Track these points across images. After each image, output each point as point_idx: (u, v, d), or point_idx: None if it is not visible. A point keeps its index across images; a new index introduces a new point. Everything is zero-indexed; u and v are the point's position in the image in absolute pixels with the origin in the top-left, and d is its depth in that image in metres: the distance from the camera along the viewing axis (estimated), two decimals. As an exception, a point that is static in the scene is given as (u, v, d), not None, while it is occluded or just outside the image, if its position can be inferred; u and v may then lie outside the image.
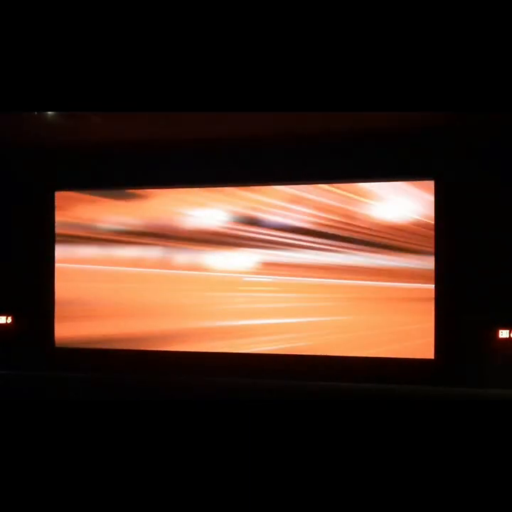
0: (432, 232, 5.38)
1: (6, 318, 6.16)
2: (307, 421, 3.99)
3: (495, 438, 3.66)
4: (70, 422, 3.97)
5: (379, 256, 5.50)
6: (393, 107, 3.63)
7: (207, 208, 5.88)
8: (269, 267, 5.74)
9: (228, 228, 5.84)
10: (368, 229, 5.53)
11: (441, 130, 5.21)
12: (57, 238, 6.20)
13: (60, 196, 6.20)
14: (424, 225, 5.40)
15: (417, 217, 5.43)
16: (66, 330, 6.15)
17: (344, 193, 5.58)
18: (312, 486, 3.22)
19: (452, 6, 2.91)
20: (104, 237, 6.12)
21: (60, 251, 6.20)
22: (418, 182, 5.45)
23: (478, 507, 3.11)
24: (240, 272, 5.79)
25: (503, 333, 5.21)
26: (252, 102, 3.53)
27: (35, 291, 6.17)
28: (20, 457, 3.50)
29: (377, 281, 5.50)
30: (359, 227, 5.56)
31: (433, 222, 5.37)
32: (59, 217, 6.20)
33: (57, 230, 6.20)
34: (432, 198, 5.38)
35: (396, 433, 3.80)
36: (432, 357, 5.34)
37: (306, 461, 3.46)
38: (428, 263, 5.39)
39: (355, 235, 5.55)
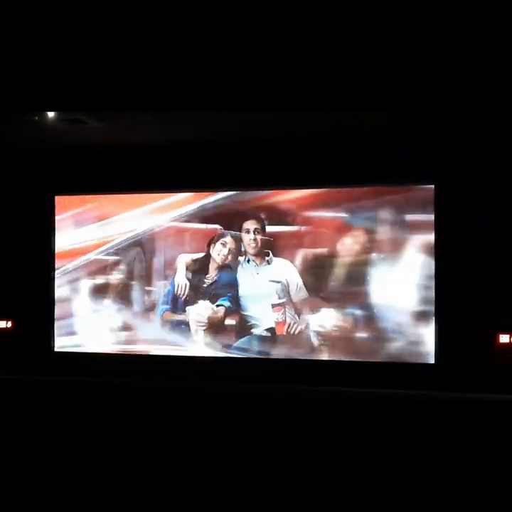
0: (432, 236, 5.38)
1: (6, 323, 6.16)
2: (307, 425, 3.98)
3: (496, 442, 3.65)
4: (69, 424, 3.96)
5: (379, 258, 5.49)
6: (393, 107, 3.64)
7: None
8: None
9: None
10: (369, 231, 5.52)
11: (441, 134, 5.23)
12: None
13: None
14: (424, 229, 5.40)
15: (417, 222, 5.43)
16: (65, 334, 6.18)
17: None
18: (312, 489, 3.21)
19: (451, 7, 2.92)
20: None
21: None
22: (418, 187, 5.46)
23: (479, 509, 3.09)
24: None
25: (504, 338, 5.19)
26: (249, 102, 3.54)
27: (34, 296, 6.15)
28: (21, 459, 3.50)
29: (377, 283, 5.49)
30: (360, 230, 5.55)
31: (433, 227, 5.37)
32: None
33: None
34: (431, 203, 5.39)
35: (397, 437, 3.79)
36: (433, 361, 5.32)
37: (306, 466, 3.45)
38: (429, 266, 5.37)
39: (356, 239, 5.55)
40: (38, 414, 4.12)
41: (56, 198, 6.19)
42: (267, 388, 5.29)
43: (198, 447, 3.63)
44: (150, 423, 3.99)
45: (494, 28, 2.95)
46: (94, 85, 3.35)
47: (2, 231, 6.19)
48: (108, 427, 3.93)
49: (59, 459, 3.51)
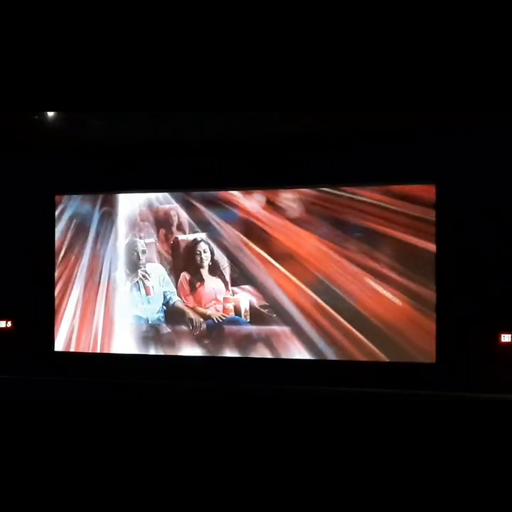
0: (434, 236, 5.38)
1: (6, 323, 6.17)
2: (308, 425, 3.98)
3: (497, 441, 3.64)
4: (68, 424, 3.96)
5: (380, 258, 5.49)
6: (394, 107, 3.64)
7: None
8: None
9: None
10: (371, 231, 5.52)
11: (442, 134, 5.23)
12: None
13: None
14: (426, 229, 5.40)
15: (419, 222, 5.43)
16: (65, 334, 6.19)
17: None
18: (312, 490, 3.20)
19: (451, 7, 2.92)
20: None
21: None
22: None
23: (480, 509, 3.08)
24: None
25: (505, 338, 5.19)
26: (249, 102, 3.53)
27: (35, 296, 6.16)
28: (21, 459, 3.50)
29: (378, 284, 5.50)
30: (362, 230, 5.55)
31: (434, 227, 5.37)
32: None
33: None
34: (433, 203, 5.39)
35: (397, 437, 3.78)
36: (434, 361, 5.31)
37: (305, 466, 3.45)
38: (430, 267, 5.38)
39: (357, 239, 5.55)
40: (38, 414, 4.11)
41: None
42: (267, 388, 5.29)
43: (197, 448, 3.63)
44: (150, 423, 3.98)
45: (494, 28, 2.95)
46: (94, 85, 3.36)
47: (2, 231, 6.19)
48: (108, 427, 3.92)
49: (59, 458, 3.50)
